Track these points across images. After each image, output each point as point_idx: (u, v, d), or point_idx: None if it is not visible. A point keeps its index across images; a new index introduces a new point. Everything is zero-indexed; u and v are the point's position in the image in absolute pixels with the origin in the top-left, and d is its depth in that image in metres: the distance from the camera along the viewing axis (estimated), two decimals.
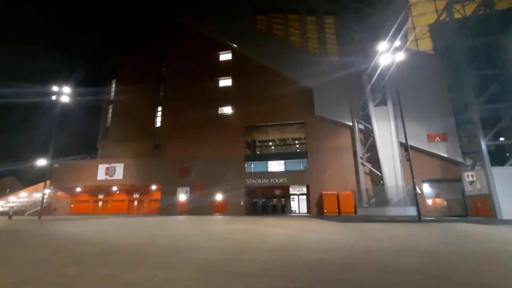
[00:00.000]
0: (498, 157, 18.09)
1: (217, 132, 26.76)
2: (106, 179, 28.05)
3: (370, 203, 21.74)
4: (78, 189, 30.67)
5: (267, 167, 26.77)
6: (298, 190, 27.49)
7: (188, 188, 26.07)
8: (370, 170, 22.56)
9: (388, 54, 17.04)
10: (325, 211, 22.39)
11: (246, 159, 26.43)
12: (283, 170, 25.99)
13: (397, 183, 20.52)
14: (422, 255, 4.97)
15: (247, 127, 27.40)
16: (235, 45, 28.97)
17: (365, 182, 22.64)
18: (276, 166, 26.75)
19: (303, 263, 4.31)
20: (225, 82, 28.79)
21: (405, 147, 18.59)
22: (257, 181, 25.28)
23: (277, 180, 24.99)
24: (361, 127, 23.63)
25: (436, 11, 24.16)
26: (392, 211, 19.62)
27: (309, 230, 9.53)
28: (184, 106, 28.49)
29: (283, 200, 27.44)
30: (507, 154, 18.05)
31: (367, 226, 10.88)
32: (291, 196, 27.59)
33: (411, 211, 19.39)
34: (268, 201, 27.29)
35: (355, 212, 21.95)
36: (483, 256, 4.88)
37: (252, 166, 26.81)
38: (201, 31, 29.79)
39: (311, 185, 24.02)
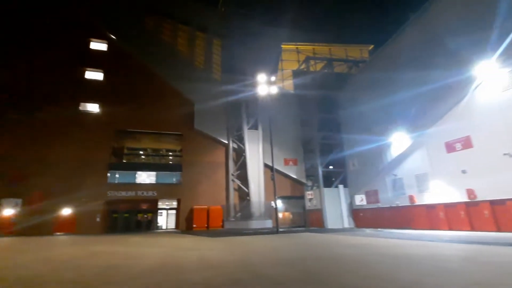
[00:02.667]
0: (328, 181, 24.15)
1: (75, 132, 22.00)
2: None
3: (236, 217, 23.60)
4: None
5: (135, 178, 24.40)
6: (167, 204, 26.28)
7: (20, 200, 19.64)
8: (239, 186, 24.66)
9: (261, 86, 19.80)
10: (194, 226, 22.41)
11: (110, 167, 23.03)
12: (154, 182, 24.42)
13: (260, 198, 23.38)
14: (293, 263, 5.96)
15: (115, 131, 24.12)
16: (114, 37, 25.48)
17: (234, 197, 24.50)
18: (145, 177, 24.77)
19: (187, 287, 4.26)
20: (95, 75, 24.49)
21: (269, 168, 21.65)
22: (121, 193, 22.37)
23: (145, 193, 23.04)
24: (235, 146, 25.70)
25: (298, 61, 30.38)
26: (254, 224, 22.03)
27: (184, 248, 9.34)
28: (29, 93, 21.92)
29: (149, 215, 25.34)
30: (333, 179, 24.34)
31: (237, 240, 11.77)
32: (159, 211, 25.98)
33: (268, 223, 22.57)
34: (131, 216, 24.42)
35: (223, 226, 23.21)
36: (329, 260, 6.40)
37: (117, 176, 23.69)
38: (73, 6, 24.38)
39: (183, 199, 23.62)
